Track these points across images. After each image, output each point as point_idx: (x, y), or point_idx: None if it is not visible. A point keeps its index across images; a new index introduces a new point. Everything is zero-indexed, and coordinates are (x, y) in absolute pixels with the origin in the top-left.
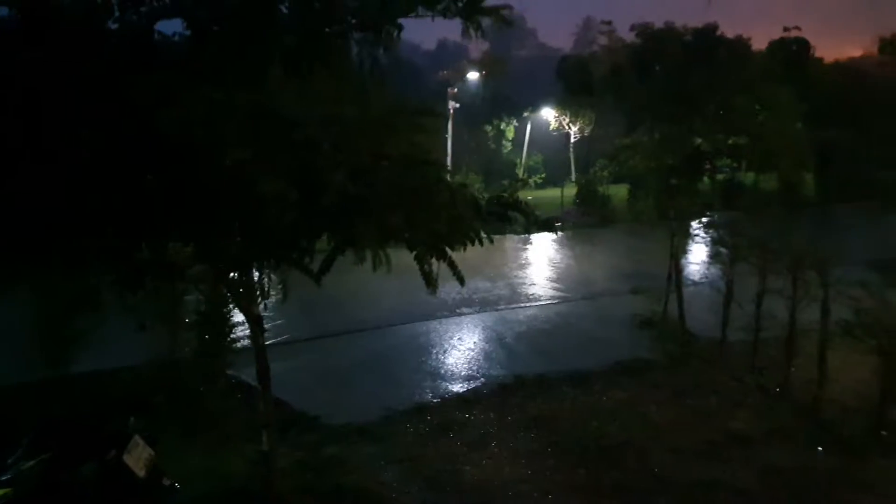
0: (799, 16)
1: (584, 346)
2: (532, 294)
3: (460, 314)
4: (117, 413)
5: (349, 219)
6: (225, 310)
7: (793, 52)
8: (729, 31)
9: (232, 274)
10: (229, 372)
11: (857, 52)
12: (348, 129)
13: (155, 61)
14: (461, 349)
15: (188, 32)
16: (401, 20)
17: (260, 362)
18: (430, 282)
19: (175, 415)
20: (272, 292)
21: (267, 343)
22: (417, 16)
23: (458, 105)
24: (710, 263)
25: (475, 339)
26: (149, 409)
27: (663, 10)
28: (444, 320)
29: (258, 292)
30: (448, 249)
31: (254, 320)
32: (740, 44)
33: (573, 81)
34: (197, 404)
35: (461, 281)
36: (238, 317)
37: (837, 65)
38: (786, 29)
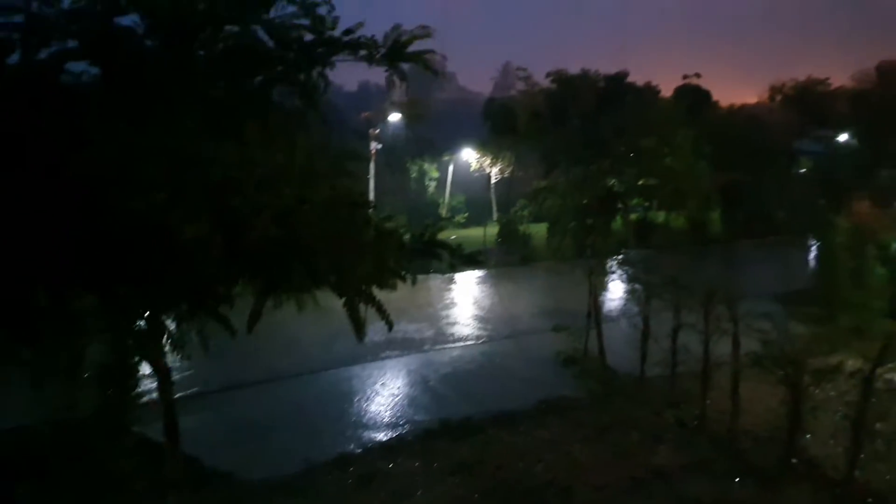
0: (701, 65)
1: (509, 386)
2: (457, 334)
3: (384, 358)
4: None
5: (274, 263)
6: (130, 362)
7: (694, 97)
8: (638, 78)
9: (138, 323)
10: (135, 429)
11: (752, 99)
12: (271, 171)
13: (66, 102)
14: (385, 395)
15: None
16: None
17: (168, 417)
18: (360, 329)
19: (73, 479)
20: (183, 342)
21: (176, 396)
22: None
23: (380, 146)
24: (627, 300)
25: (399, 384)
26: (42, 474)
27: (578, 57)
28: (366, 365)
29: (167, 343)
30: (375, 292)
31: (162, 372)
32: (649, 90)
33: (499, 123)
34: (98, 466)
35: (390, 325)
36: (145, 368)
37: (736, 110)
38: (685, 77)
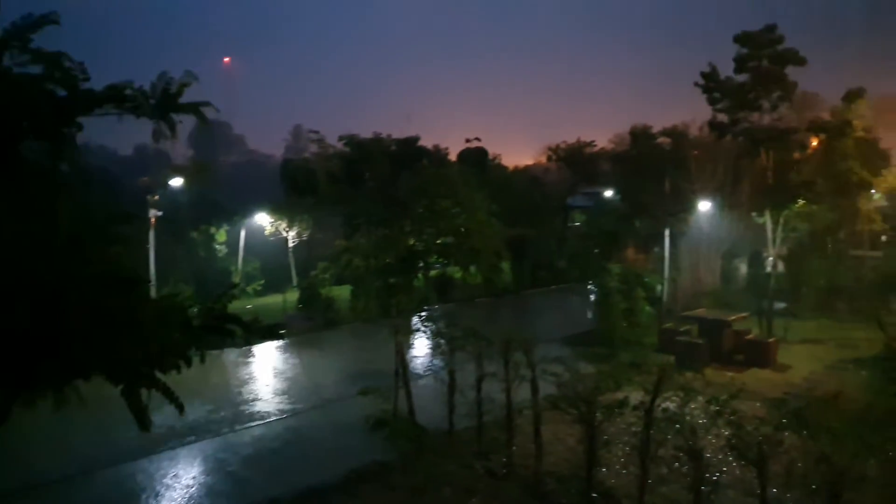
0: (484, 128)
1: (317, 458)
2: (258, 411)
3: (175, 447)
4: None
5: (29, 358)
6: None
7: (477, 159)
8: (428, 142)
9: None
10: None
11: (530, 161)
12: (26, 247)
13: None
14: (178, 488)
15: None
16: (84, 122)
17: None
18: (144, 420)
19: None
20: None
21: None
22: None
23: (160, 213)
24: (432, 355)
25: (195, 474)
26: None
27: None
28: (154, 458)
29: None
30: (158, 375)
31: None
32: (438, 153)
33: (296, 184)
34: None
35: (180, 409)
36: None
37: (518, 170)
38: (467, 140)
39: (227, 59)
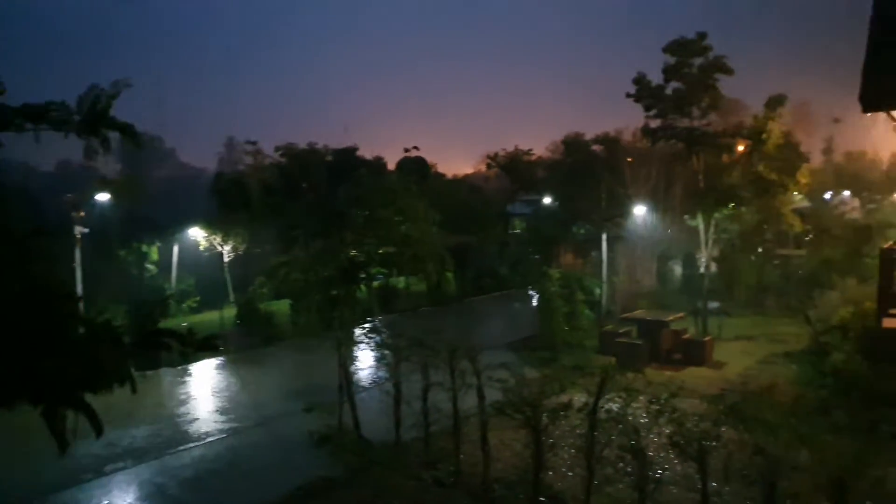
0: (422, 138)
1: (261, 477)
2: (197, 431)
3: (108, 473)
4: None
5: None
6: None
7: (416, 168)
8: (366, 152)
9: None
10: None
11: (469, 169)
12: None
13: None
14: None
15: None
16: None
17: None
18: (63, 443)
19: None
20: None
21: None
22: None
23: (87, 230)
24: (377, 367)
25: (130, 500)
26: None
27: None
28: (85, 486)
29: None
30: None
31: None
32: (377, 163)
33: (230, 199)
34: None
35: (98, 431)
36: None
37: (458, 179)
38: (406, 149)
39: (156, 71)
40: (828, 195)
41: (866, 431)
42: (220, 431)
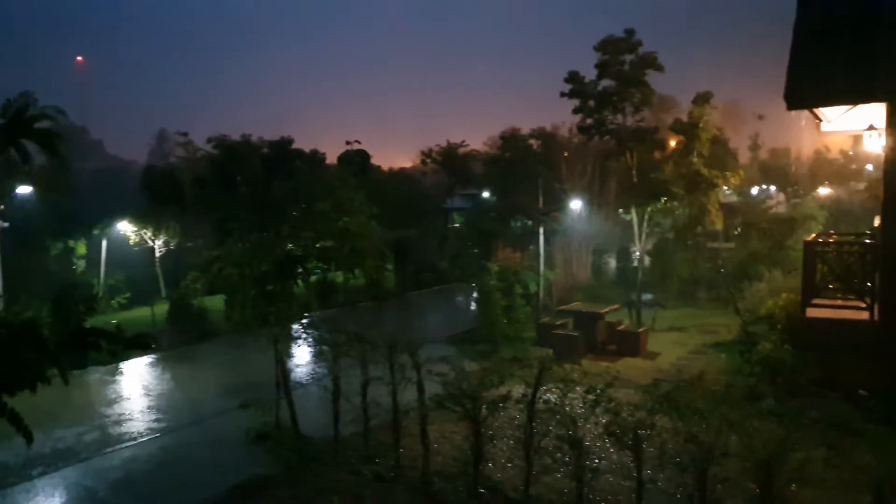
0: (360, 132)
1: (196, 478)
2: (128, 432)
3: (33, 477)
4: None
5: None
6: None
7: (358, 162)
8: (304, 145)
9: None
10: None
11: (407, 163)
12: None
13: None
14: None
15: None
16: None
17: None
18: None
19: None
20: None
21: None
22: None
23: (6, 224)
24: (315, 363)
25: None
26: None
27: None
28: (7, 491)
29: None
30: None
31: None
32: (315, 156)
33: (161, 192)
34: None
35: (28, 438)
36: None
37: (396, 173)
38: (348, 143)
39: (80, 59)
40: (755, 190)
41: (791, 417)
42: (152, 431)
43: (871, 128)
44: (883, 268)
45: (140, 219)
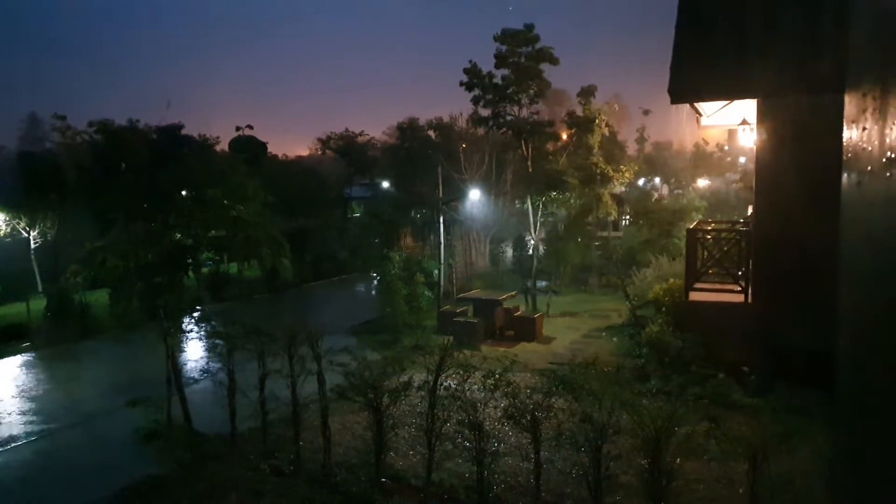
0: (257, 118)
1: (79, 481)
2: (0, 436)
3: None
4: None
5: None
6: None
7: (252, 148)
8: (193, 130)
9: None
10: None
11: (304, 151)
12: None
13: None
14: None
15: None
16: None
17: None
18: None
19: None
20: None
21: None
22: None
23: None
24: (209, 357)
25: None
26: None
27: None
28: None
29: None
30: None
31: None
32: (205, 142)
33: (37, 179)
34: None
35: None
36: None
37: (293, 161)
38: (238, 128)
39: None
40: (641, 181)
41: (677, 394)
42: (29, 434)
43: (744, 122)
44: (755, 253)
45: (13, 208)
